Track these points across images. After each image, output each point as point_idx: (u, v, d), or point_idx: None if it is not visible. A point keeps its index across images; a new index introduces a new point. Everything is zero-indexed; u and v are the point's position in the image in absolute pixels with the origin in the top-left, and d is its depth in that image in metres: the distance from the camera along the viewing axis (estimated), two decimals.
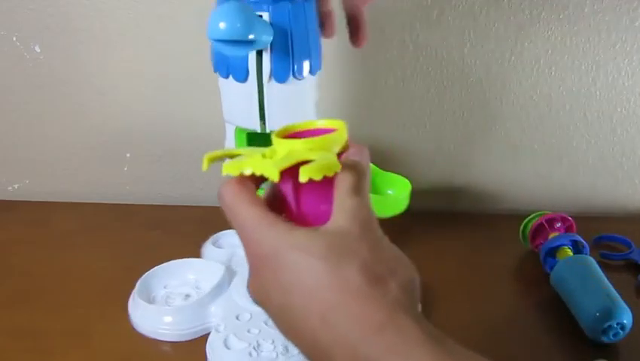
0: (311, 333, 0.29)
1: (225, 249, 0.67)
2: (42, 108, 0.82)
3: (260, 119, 0.49)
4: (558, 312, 0.61)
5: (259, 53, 0.47)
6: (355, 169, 0.33)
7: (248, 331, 0.54)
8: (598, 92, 0.77)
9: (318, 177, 0.30)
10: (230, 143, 0.53)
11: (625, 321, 0.56)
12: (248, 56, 0.47)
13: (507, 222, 0.74)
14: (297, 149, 0.34)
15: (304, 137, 0.36)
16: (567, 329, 0.59)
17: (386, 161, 0.83)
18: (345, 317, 0.28)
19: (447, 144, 0.81)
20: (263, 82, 0.48)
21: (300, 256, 0.29)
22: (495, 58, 0.76)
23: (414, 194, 0.86)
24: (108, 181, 0.85)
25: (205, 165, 0.33)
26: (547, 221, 0.70)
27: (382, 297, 0.28)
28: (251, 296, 0.33)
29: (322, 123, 0.38)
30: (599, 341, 0.56)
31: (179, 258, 0.70)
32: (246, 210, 0.31)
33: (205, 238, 0.71)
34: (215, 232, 0.71)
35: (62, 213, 0.81)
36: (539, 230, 0.70)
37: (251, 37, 0.41)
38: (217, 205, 0.71)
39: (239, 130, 0.52)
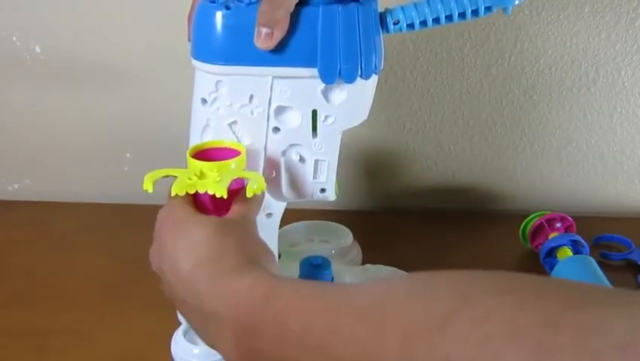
0: (185, 275, 0.39)
1: (202, 346, 0.52)
2: (42, 108, 0.82)
3: None
4: None
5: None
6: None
7: None
8: (598, 92, 0.77)
9: (259, 192, 0.44)
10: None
11: None
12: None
13: (507, 222, 0.74)
14: (219, 169, 0.45)
15: (214, 154, 0.47)
16: None
17: (386, 161, 0.83)
18: (213, 263, 0.39)
19: (447, 144, 0.81)
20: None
21: (201, 226, 0.41)
22: (495, 58, 0.76)
23: (415, 194, 0.86)
24: (108, 181, 0.85)
25: (148, 185, 0.45)
26: (546, 221, 0.70)
27: (243, 256, 0.40)
28: (151, 259, 0.45)
29: (226, 143, 0.48)
30: None
31: None
32: (175, 198, 0.44)
33: None
34: None
35: (62, 213, 0.81)
36: (539, 230, 0.70)
37: None
38: None
39: None
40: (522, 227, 0.71)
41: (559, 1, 0.73)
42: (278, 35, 0.44)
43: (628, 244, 0.72)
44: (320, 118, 0.49)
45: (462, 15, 0.48)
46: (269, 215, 0.54)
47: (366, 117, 0.51)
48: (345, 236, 0.69)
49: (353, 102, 0.49)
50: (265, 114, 0.49)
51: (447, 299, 0.27)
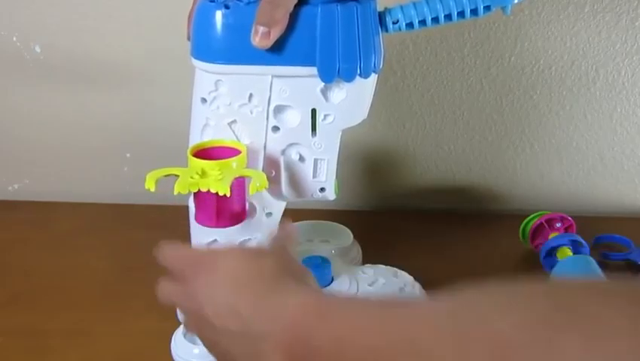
0: (228, 304, 0.37)
1: (202, 346, 0.53)
2: (42, 108, 0.82)
3: None
4: None
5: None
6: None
7: None
8: (598, 92, 0.77)
9: (262, 190, 0.45)
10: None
11: None
12: None
13: (507, 222, 0.74)
14: (221, 167, 0.45)
15: (214, 153, 0.48)
16: None
17: (386, 161, 0.83)
18: (255, 283, 0.37)
19: (447, 144, 0.81)
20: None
21: (232, 254, 0.40)
22: (495, 58, 0.76)
23: (415, 194, 0.86)
24: (108, 181, 0.85)
25: (150, 184, 0.45)
26: (546, 221, 0.70)
27: (285, 274, 0.38)
28: (184, 295, 0.41)
29: (226, 142, 0.49)
30: None
31: None
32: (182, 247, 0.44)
33: None
34: None
35: (62, 213, 0.81)
36: (539, 230, 0.70)
37: None
38: None
39: None
40: (522, 227, 0.71)
41: (559, 1, 0.73)
42: (276, 35, 0.44)
43: (628, 244, 0.72)
44: (319, 117, 0.49)
45: (461, 14, 0.48)
46: (268, 214, 0.54)
47: (365, 116, 0.51)
48: (345, 236, 0.69)
49: (352, 101, 0.49)
50: (264, 113, 0.49)
51: (541, 310, 0.26)
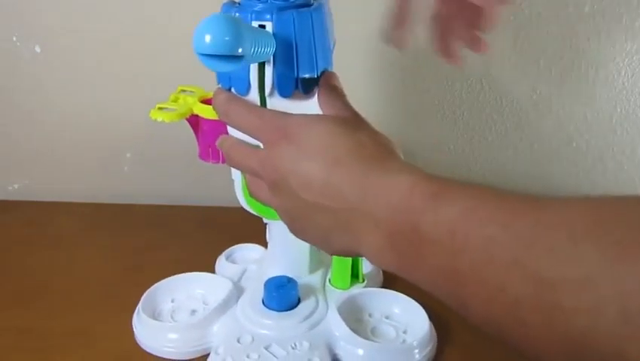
0: (322, 178, 0.36)
1: (238, 264, 0.64)
2: (42, 108, 0.82)
3: None
4: None
5: (261, 65, 0.43)
6: (330, 84, 0.44)
7: (248, 356, 0.51)
8: (598, 92, 0.77)
9: (167, 120, 0.55)
10: None
11: None
12: (249, 67, 0.43)
13: None
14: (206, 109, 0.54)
15: None
16: None
17: None
18: (354, 158, 0.36)
19: (447, 143, 0.81)
20: (266, 95, 0.44)
21: (324, 123, 0.38)
22: (495, 58, 0.76)
23: None
24: (108, 181, 0.85)
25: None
26: None
27: (380, 148, 0.38)
28: (263, 163, 0.39)
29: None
30: None
31: (179, 258, 0.70)
32: (255, 107, 0.42)
33: (204, 237, 0.71)
34: (217, 235, 0.70)
35: (62, 213, 0.81)
36: None
37: (240, 51, 0.35)
38: (217, 205, 0.72)
39: None
40: None
41: (559, 1, 0.73)
42: None
43: None
44: None
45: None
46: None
47: None
48: (419, 319, 0.55)
49: None
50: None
51: None
